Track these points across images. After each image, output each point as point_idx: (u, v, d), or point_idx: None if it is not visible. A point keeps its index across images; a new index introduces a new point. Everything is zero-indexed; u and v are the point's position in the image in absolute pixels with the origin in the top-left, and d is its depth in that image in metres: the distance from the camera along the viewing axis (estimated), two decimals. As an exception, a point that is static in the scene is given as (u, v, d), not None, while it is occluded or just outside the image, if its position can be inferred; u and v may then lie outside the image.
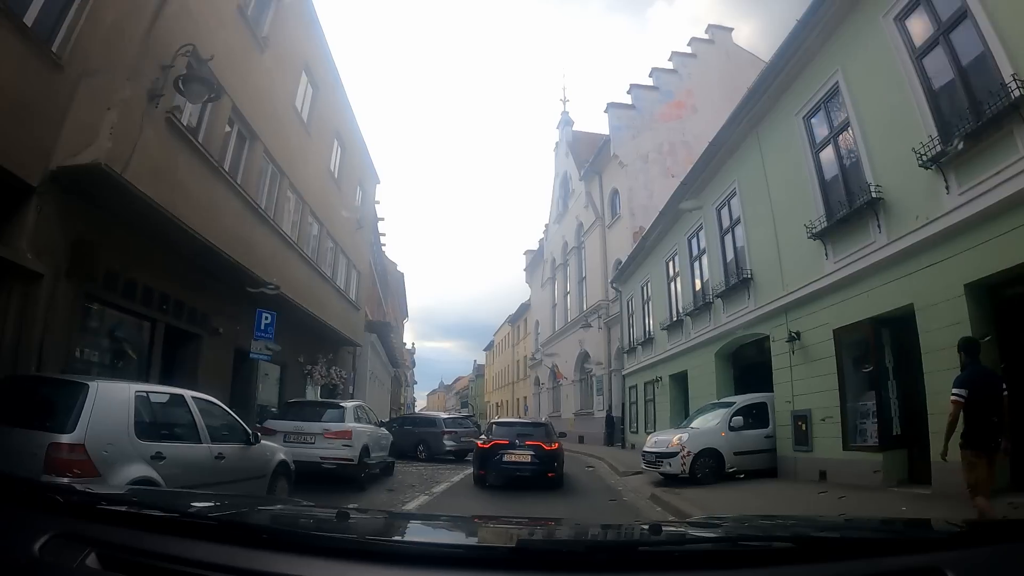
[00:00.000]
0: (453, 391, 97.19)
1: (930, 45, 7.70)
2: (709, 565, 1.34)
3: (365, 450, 10.10)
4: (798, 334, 10.55)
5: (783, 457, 10.91)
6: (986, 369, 5.54)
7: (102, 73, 7.27)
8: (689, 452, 10.58)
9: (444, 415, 21.26)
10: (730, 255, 13.87)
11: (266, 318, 10.77)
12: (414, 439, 17.52)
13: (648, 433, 16.86)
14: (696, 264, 16.04)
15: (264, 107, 11.77)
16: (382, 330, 27.91)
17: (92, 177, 7.07)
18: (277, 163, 12.71)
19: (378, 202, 24.52)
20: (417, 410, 53.76)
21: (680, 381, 17.09)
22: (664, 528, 1.68)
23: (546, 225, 41.16)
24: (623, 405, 23.64)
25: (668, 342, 18.00)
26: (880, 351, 8.97)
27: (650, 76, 28.06)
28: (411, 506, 8.63)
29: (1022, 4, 6.44)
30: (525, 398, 45.71)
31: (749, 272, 12.61)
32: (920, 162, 7.47)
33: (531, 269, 45.56)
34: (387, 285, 35.91)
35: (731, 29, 29.78)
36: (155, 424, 5.02)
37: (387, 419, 21.59)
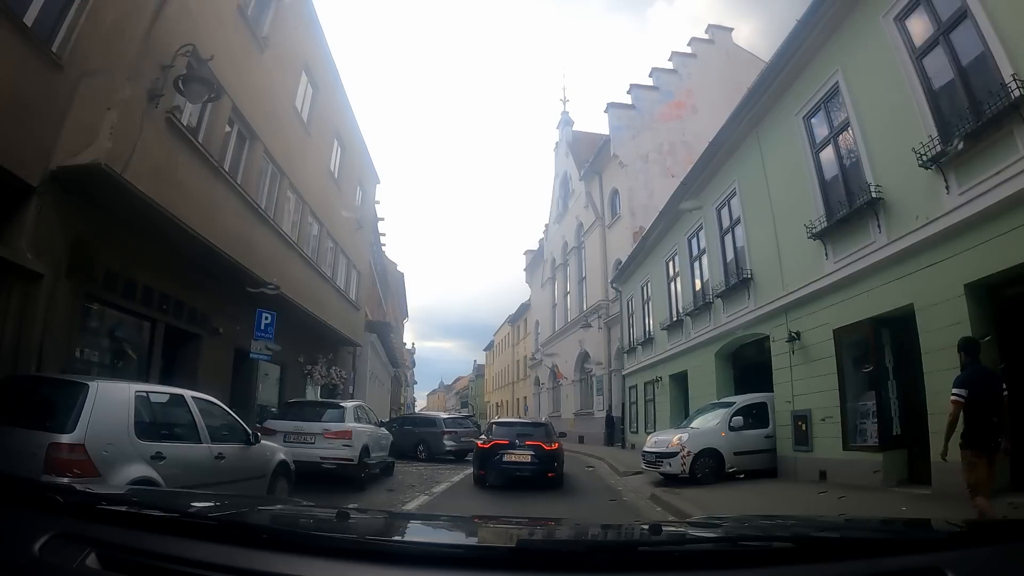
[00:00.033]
0: (453, 391, 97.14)
1: (930, 45, 7.70)
2: (709, 565, 1.34)
3: (365, 450, 10.10)
4: (798, 334, 10.54)
5: (783, 457, 10.91)
6: (986, 369, 5.54)
7: (102, 73, 7.26)
8: (689, 452, 10.58)
9: (444, 415, 21.25)
10: (730, 255, 13.87)
11: (266, 318, 10.77)
12: (414, 439, 17.52)
13: (648, 433, 16.85)
14: (696, 264, 16.03)
15: (264, 107, 11.77)
16: (382, 330, 27.91)
17: (92, 177, 7.06)
18: (277, 163, 12.71)
19: (378, 202, 24.55)
20: (417, 410, 53.75)
21: (680, 381, 17.09)
22: (664, 528, 1.68)
23: (546, 225, 41.17)
24: (623, 405, 23.63)
25: (668, 342, 18.00)
26: (880, 351, 8.96)
27: (650, 76, 28.05)
28: (411, 506, 8.62)
29: (1022, 4, 6.43)
30: (525, 398, 45.70)
31: (749, 272, 12.60)
32: (920, 162, 7.47)
33: (531, 269, 45.55)
34: (387, 285, 35.91)
35: (731, 29, 29.80)
36: (155, 424, 5.01)
37: (387, 419, 21.60)
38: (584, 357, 30.13)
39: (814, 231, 9.84)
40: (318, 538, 1.43)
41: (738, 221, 13.35)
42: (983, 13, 6.79)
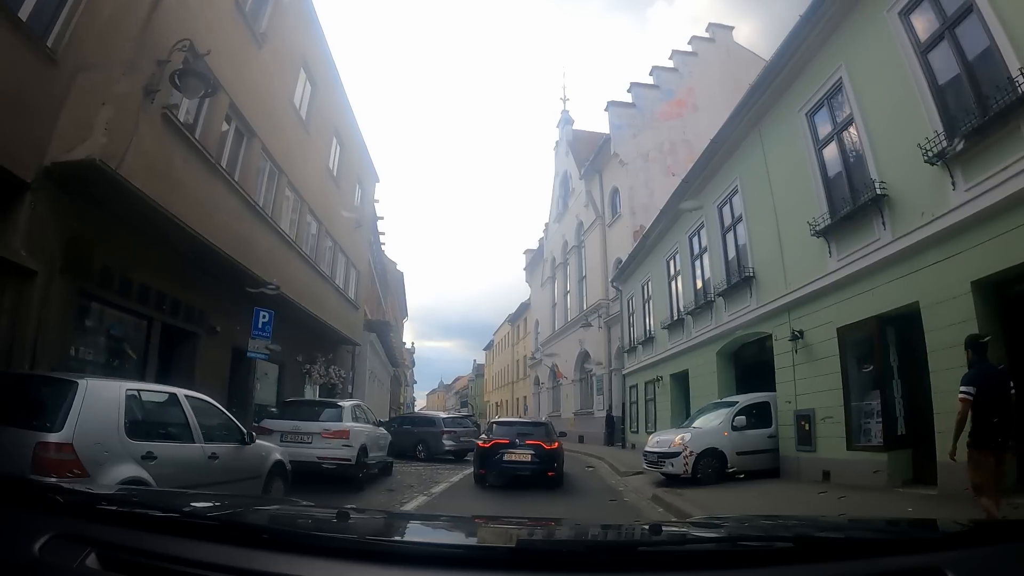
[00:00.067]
0: (453, 391, 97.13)
1: (935, 40, 7.61)
2: (709, 565, 1.34)
3: (363, 450, 9.99)
4: (801, 333, 10.45)
5: (786, 457, 10.81)
6: (994, 367, 5.49)
7: (98, 68, 7.18)
8: (692, 452, 10.49)
9: (443, 415, 21.16)
10: (732, 253, 13.77)
11: (264, 316, 10.65)
12: (413, 439, 17.44)
13: (649, 433, 16.78)
14: (697, 262, 15.94)
15: (262, 104, 11.67)
16: (381, 329, 27.82)
17: (86, 173, 6.97)
18: (275, 161, 12.62)
19: (377, 201, 24.47)
20: (416, 409, 53.70)
21: (681, 380, 17.00)
22: (664, 528, 1.69)
23: (546, 224, 41.09)
24: (623, 405, 23.55)
25: (669, 341, 17.91)
26: (885, 350, 8.86)
27: (650, 74, 27.99)
28: (409, 507, 8.52)
29: (1029, -3, 6.35)
30: (525, 398, 45.64)
31: (751, 270, 12.51)
32: (926, 158, 7.38)
33: (531, 268, 45.48)
34: (386, 284, 35.82)
35: (732, 28, 29.71)
36: (146, 423, 4.91)
37: (386, 419, 21.52)
38: (584, 356, 30.06)
39: (817, 229, 9.74)
40: (318, 538, 1.43)
41: (740, 219, 13.25)
42: (989, 7, 6.71)
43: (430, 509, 8.45)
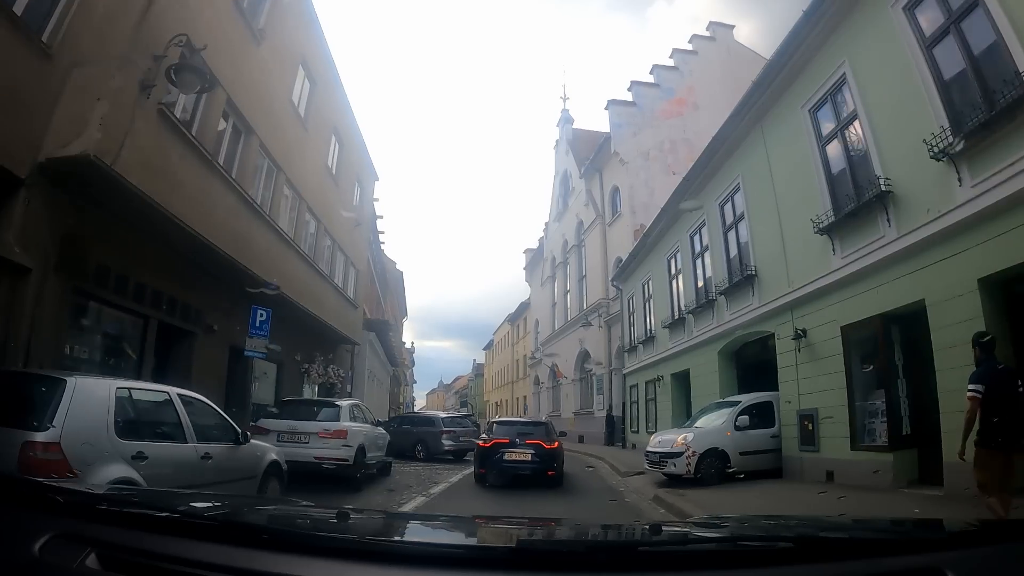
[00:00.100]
0: (452, 390, 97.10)
1: (940, 34, 7.52)
2: (710, 565, 1.34)
3: (361, 450, 9.88)
4: (804, 331, 10.34)
5: (788, 457, 10.71)
6: (1002, 365, 5.40)
7: (93, 63, 7.14)
8: (694, 452, 10.39)
9: (443, 414, 21.07)
10: (733, 251, 13.66)
11: (261, 315, 10.56)
12: (412, 439, 17.35)
13: (649, 433, 16.69)
14: (698, 261, 15.84)
15: (260, 101, 11.58)
16: (381, 328, 27.74)
17: (81, 169, 6.91)
18: (273, 158, 12.53)
19: (377, 200, 24.35)
20: (416, 409, 53.63)
21: (682, 380, 16.91)
22: (664, 528, 1.71)
23: (546, 223, 41.01)
24: (623, 404, 23.47)
25: (670, 340, 17.82)
26: (889, 348, 8.76)
27: (651, 73, 27.89)
28: (407, 508, 8.42)
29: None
30: (525, 397, 45.58)
31: (753, 269, 12.41)
32: (931, 154, 7.29)
33: (531, 268, 45.41)
34: (386, 283, 35.74)
35: (732, 26, 29.62)
36: (137, 422, 4.80)
37: (386, 418, 21.44)
38: (584, 356, 29.97)
39: (821, 226, 9.63)
40: (318, 538, 1.43)
41: (742, 217, 13.15)
42: (995, 1, 6.61)
43: (429, 510, 8.35)
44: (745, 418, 10.95)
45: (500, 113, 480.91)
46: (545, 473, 10.90)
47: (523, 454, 10.99)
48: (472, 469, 12.86)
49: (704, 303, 15.05)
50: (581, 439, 26.95)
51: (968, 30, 7.16)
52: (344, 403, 10.64)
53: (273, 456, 7.12)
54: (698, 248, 15.85)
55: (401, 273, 44.44)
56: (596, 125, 32.60)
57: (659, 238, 18.88)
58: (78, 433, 3.97)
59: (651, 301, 20.15)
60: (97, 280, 7.95)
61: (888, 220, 8.34)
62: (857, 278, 9.05)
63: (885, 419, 8.60)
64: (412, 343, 77.81)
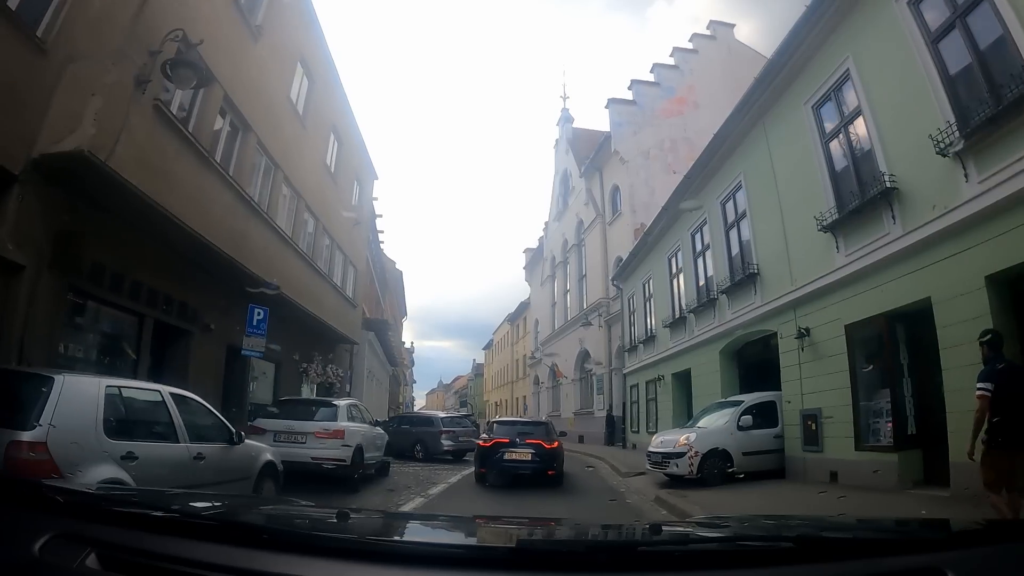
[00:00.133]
0: (452, 390, 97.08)
1: (946, 29, 7.43)
2: (710, 565, 1.34)
3: (359, 450, 9.76)
4: (807, 330, 10.23)
5: (791, 457, 10.60)
6: (1011, 363, 5.33)
7: (88, 59, 7.06)
8: (697, 452, 10.27)
9: (442, 414, 20.98)
10: (735, 250, 13.56)
11: (258, 314, 10.46)
12: (411, 439, 17.26)
13: (650, 433, 16.61)
14: (700, 260, 15.73)
15: (257, 98, 11.48)
16: (380, 328, 27.65)
17: (75, 165, 6.83)
18: (271, 156, 12.43)
19: (376, 199, 24.26)
20: (416, 409, 53.54)
21: (683, 380, 16.81)
22: (664, 528, 1.73)
23: (546, 223, 40.92)
24: (624, 404, 23.38)
25: (670, 340, 17.72)
26: (895, 347, 8.65)
27: (651, 72, 27.81)
28: (406, 509, 8.32)
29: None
30: (524, 397, 45.50)
31: (755, 267, 12.30)
32: (937, 149, 7.19)
33: (531, 267, 45.33)
34: (385, 283, 35.65)
35: (733, 25, 29.54)
36: (127, 421, 4.68)
37: (386, 418, 21.35)
38: (584, 356, 29.88)
39: (824, 223, 9.53)
40: (318, 538, 1.43)
41: (744, 215, 13.05)
42: (1002, -6, 6.52)
43: (427, 511, 8.24)
44: (748, 418, 10.84)
45: (500, 112, 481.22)
46: (545, 473, 10.95)
47: (523, 454, 11.04)
48: (471, 470, 12.82)
49: (705, 302, 14.95)
50: (581, 439, 26.85)
51: (974, 24, 7.06)
52: (342, 403, 10.52)
53: (268, 456, 7.01)
54: (699, 247, 15.74)
55: (400, 272, 44.38)
56: (596, 124, 32.59)
57: (660, 237, 18.77)
58: (65, 432, 3.85)
59: (652, 300, 20.05)
60: (92, 278, 7.86)
61: (893, 217, 8.24)
62: (861, 276, 8.94)
63: (890, 419, 8.48)
64: (412, 343, 77.89)
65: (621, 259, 24.02)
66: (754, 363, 13.44)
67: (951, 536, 1.65)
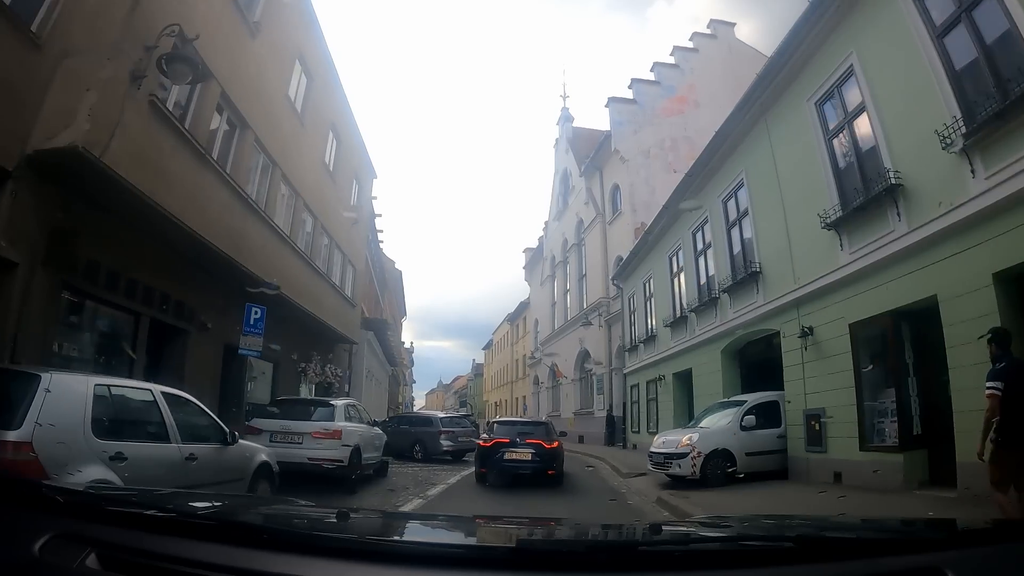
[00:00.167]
0: (452, 390, 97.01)
1: (951, 23, 7.34)
2: (710, 565, 1.34)
3: (356, 450, 9.65)
4: (811, 329, 10.12)
5: (794, 458, 10.49)
6: (1020, 361, 5.21)
7: (83, 54, 6.99)
8: (700, 453, 10.15)
9: (441, 414, 20.89)
10: (737, 248, 13.47)
11: (255, 313, 10.33)
12: (410, 439, 17.17)
13: (651, 433, 16.51)
14: (701, 259, 15.64)
15: (255, 95, 11.39)
16: (379, 327, 27.54)
17: (69, 161, 6.74)
18: (269, 153, 12.33)
19: (375, 198, 24.17)
20: (415, 409, 53.45)
21: (684, 379, 16.71)
22: (665, 528, 1.73)
23: (546, 222, 40.84)
24: (624, 404, 23.28)
25: (671, 339, 17.62)
26: (899, 346, 8.53)
27: (651, 71, 27.72)
28: (404, 510, 8.22)
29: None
30: (524, 397, 45.41)
31: (758, 265, 12.20)
32: (943, 145, 7.10)
33: (530, 267, 45.24)
34: (384, 283, 35.55)
35: (734, 24, 29.45)
36: (116, 421, 4.56)
37: (385, 418, 21.25)
38: (584, 356, 29.79)
39: (828, 221, 9.43)
40: (318, 538, 1.43)
41: (746, 213, 12.95)
42: (1008, -12, 6.44)
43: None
44: (751, 418, 10.70)
45: (500, 112, 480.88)
46: (545, 473, 10.97)
47: (523, 454, 11.06)
48: (470, 470, 12.77)
49: (707, 301, 14.85)
50: (581, 439, 26.76)
51: (980, 19, 6.98)
52: (339, 402, 10.41)
53: (263, 457, 6.90)
54: (700, 245, 15.65)
55: (400, 272, 44.27)
56: (596, 124, 32.52)
57: (660, 236, 18.68)
58: (52, 432, 3.74)
59: (652, 300, 19.95)
60: (87, 276, 7.76)
61: (898, 214, 8.14)
62: (866, 274, 8.84)
63: (895, 419, 8.37)
64: (411, 343, 77.72)
65: (621, 258, 23.94)
66: (756, 362, 13.34)
67: (951, 536, 1.64)
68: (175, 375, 9.27)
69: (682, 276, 17.09)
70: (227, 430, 6.05)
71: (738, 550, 1.44)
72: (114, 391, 4.69)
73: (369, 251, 25.44)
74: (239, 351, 10.45)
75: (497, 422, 13.11)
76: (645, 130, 25.90)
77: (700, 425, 11.42)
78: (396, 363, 41.76)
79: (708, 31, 28.73)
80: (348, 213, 18.98)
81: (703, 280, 15.47)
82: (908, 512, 6.38)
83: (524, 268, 47.13)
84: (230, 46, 10.16)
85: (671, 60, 27.85)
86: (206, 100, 9.54)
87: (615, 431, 23.98)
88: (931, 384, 8.01)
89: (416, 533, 1.94)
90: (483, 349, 70.85)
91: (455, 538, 1.91)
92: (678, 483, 10.32)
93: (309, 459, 8.87)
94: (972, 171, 6.92)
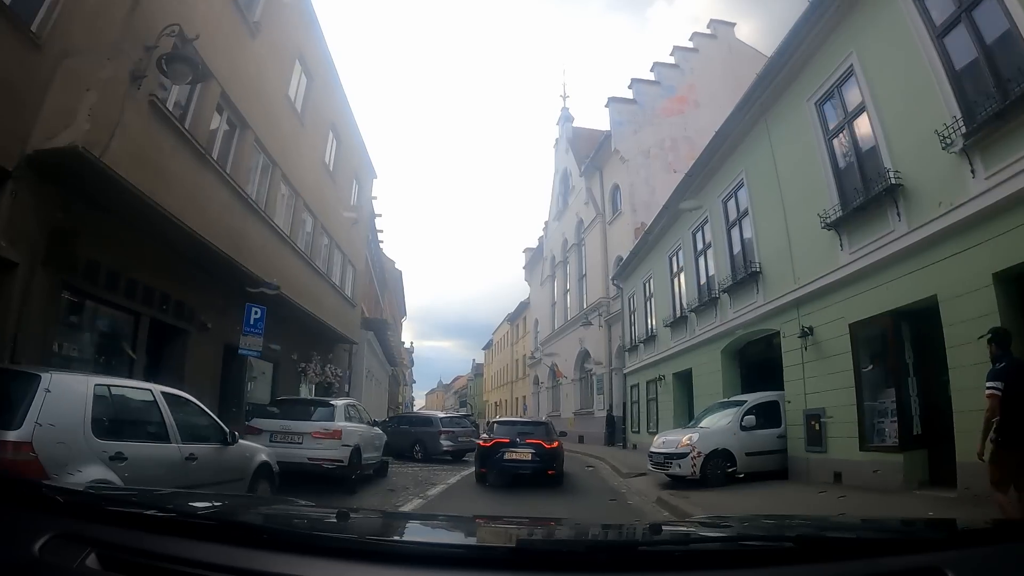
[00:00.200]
0: (452, 390, 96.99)
1: (951, 23, 7.34)
2: (710, 565, 1.34)
3: (356, 450, 9.64)
4: (811, 329, 10.11)
5: (794, 458, 10.49)
6: (1020, 361, 5.21)
7: (83, 54, 6.99)
8: (700, 453, 10.14)
9: (441, 414, 20.88)
10: (737, 248, 13.46)
11: (255, 312, 10.32)
12: (410, 439, 17.16)
13: (651, 433, 16.49)
14: (701, 259, 15.63)
15: (255, 95, 11.38)
16: (379, 327, 27.53)
17: (69, 161, 6.74)
18: (269, 153, 12.33)
19: (375, 198, 24.16)
20: (416, 409, 53.44)
21: (684, 379, 16.71)
22: (665, 528, 1.74)
23: (546, 222, 40.83)
24: (624, 404, 23.28)
25: (671, 339, 17.62)
26: (899, 346, 8.52)
27: (651, 71, 27.70)
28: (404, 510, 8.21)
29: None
30: (524, 397, 45.39)
31: (758, 265, 12.19)
32: (943, 145, 7.10)
33: (530, 267, 45.23)
34: (384, 283, 35.54)
35: (734, 24, 29.45)
36: (116, 421, 4.55)
37: (385, 418, 21.24)
38: (584, 356, 29.78)
39: (828, 221, 9.42)
40: (318, 538, 1.43)
41: (746, 213, 12.94)
42: (1008, -12, 6.43)
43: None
44: (751, 418, 10.68)
45: (500, 112, 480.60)
46: (545, 473, 10.99)
47: (523, 454, 11.08)
48: (470, 470, 12.76)
49: (707, 301, 14.85)
50: (581, 439, 26.76)
51: (980, 19, 6.98)
52: (339, 402, 10.40)
53: (263, 457, 6.89)
54: (700, 245, 15.64)
55: (400, 272, 44.26)
56: (596, 123, 32.51)
57: (660, 236, 18.68)
58: (52, 432, 3.73)
59: (652, 300, 19.95)
60: (87, 276, 7.76)
61: (898, 214, 8.13)
62: (866, 274, 8.83)
63: (895, 419, 8.36)
64: (411, 343, 77.69)
65: (621, 258, 23.93)
66: (756, 362, 13.33)
67: (951, 536, 1.64)
68: (175, 375, 9.26)
69: (682, 276, 17.09)
70: (227, 430, 6.05)
71: (738, 550, 1.44)
72: (114, 391, 4.69)
73: (369, 251, 25.43)
74: (239, 351, 10.45)
75: (497, 422, 13.12)
76: (645, 130, 25.89)
77: (700, 425, 11.41)
78: (396, 363, 41.76)
79: (708, 31, 28.72)
80: (348, 213, 18.97)
81: (703, 280, 15.46)
82: (908, 512, 6.37)
83: (524, 268, 47.11)
84: (230, 46, 10.16)
85: (671, 60, 27.84)
86: (206, 100, 9.54)
87: (615, 431, 23.97)
88: (931, 384, 8.00)
89: (416, 533, 1.94)
90: (483, 349, 70.84)
91: (455, 538, 1.91)
92: (678, 483, 10.31)
93: (309, 459, 8.86)
94: (972, 171, 6.92)
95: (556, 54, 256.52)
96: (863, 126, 9.06)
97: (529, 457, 11.03)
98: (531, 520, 3.30)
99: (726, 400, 12.30)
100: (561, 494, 10.50)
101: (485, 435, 12.43)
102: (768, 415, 10.89)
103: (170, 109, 8.45)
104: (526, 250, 47.12)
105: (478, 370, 75.54)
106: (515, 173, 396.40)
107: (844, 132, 9.55)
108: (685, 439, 10.54)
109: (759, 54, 23.40)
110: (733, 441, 10.42)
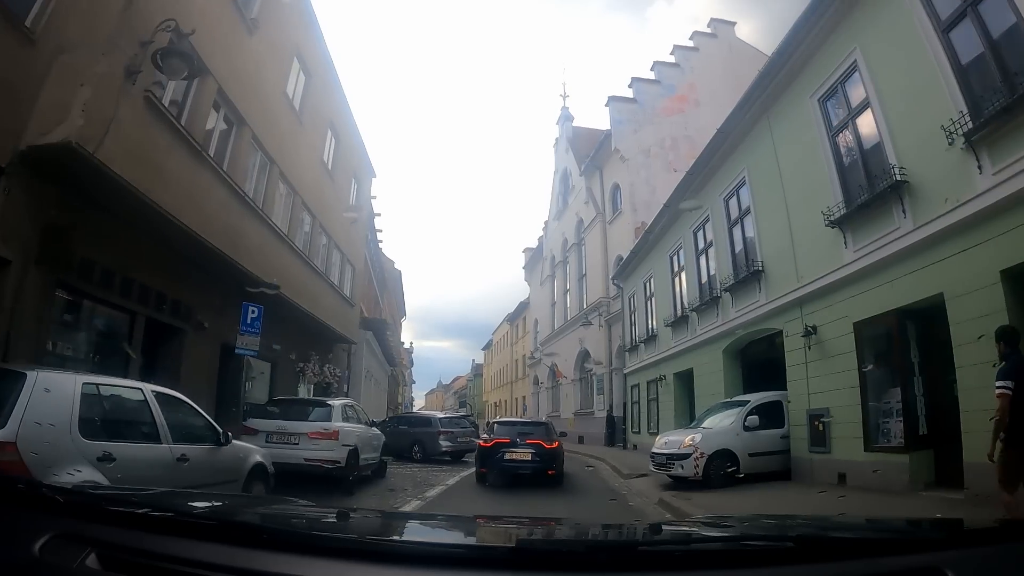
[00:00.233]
0: (451, 390, 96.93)
1: (957, 17, 7.24)
2: (710, 565, 1.34)
3: (354, 452, 9.53)
4: (814, 328, 10.00)
5: (798, 458, 10.38)
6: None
7: (78, 49, 6.90)
8: (703, 453, 10.03)
9: (440, 414, 20.78)
10: (739, 247, 13.34)
11: (253, 312, 10.22)
12: (409, 439, 17.08)
13: (651, 434, 16.39)
14: (702, 258, 15.53)
15: (253, 92, 11.29)
16: (378, 327, 27.43)
17: (63, 157, 6.65)
18: (267, 151, 12.23)
19: (374, 197, 24.08)
20: (415, 409, 53.35)
21: (685, 379, 16.61)
22: (665, 527, 1.74)
23: (545, 222, 40.75)
24: (624, 405, 23.19)
25: (672, 339, 17.52)
26: (905, 345, 8.40)
27: (652, 70, 27.62)
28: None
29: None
30: (524, 397, 45.31)
31: (760, 264, 12.08)
32: (949, 141, 7.00)
33: (530, 267, 45.16)
34: (384, 282, 35.44)
35: (734, 23, 29.38)
36: (105, 421, 4.44)
37: (384, 418, 21.16)
38: (584, 356, 29.69)
39: (832, 219, 9.31)
40: (318, 538, 1.43)
41: (747, 211, 12.84)
42: (1015, -19, 6.34)
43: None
44: (754, 418, 10.55)
45: (499, 111, 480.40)
46: (545, 473, 11.00)
47: (523, 454, 11.09)
48: (470, 471, 12.71)
49: (708, 300, 14.74)
50: (581, 440, 26.67)
51: (986, 13, 6.88)
52: (336, 403, 10.29)
53: (258, 458, 6.76)
54: (702, 244, 15.54)
55: (399, 272, 44.19)
56: (596, 123, 32.45)
57: (661, 235, 18.58)
58: (38, 432, 3.62)
59: (653, 299, 19.85)
60: (81, 274, 7.66)
61: (903, 211, 8.03)
62: (870, 272, 8.72)
63: (900, 419, 8.25)
64: (411, 343, 77.62)
65: (621, 258, 23.85)
66: (758, 362, 13.22)
67: (952, 535, 1.62)
68: (171, 375, 9.17)
69: (683, 275, 16.99)
70: (220, 430, 5.93)
71: (739, 550, 1.43)
72: (103, 390, 4.58)
73: (368, 251, 25.34)
74: (236, 350, 10.35)
75: (497, 422, 13.10)
76: (645, 129, 25.81)
77: (702, 426, 11.31)
78: (395, 363, 41.67)
79: (708, 30, 28.64)
80: (347, 212, 18.88)
81: (704, 279, 15.36)
82: (913, 513, 6.28)
83: (524, 268, 47.04)
84: (227, 42, 10.07)
85: (671, 59, 27.76)
86: (203, 96, 9.45)
87: (615, 431, 23.88)
88: (937, 383, 7.89)
89: (416, 533, 1.94)
90: (483, 349, 70.77)
91: (455, 538, 1.90)
92: (680, 484, 10.21)
93: (306, 460, 8.75)
94: (979, 167, 6.81)
95: (556, 54, 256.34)
96: (867, 122, 8.96)
97: (529, 457, 11.03)
98: (531, 520, 3.29)
99: (728, 400, 12.19)
100: (561, 494, 10.42)
101: (485, 435, 12.42)
102: (771, 415, 10.78)
103: (166, 105, 8.36)
104: (526, 250, 47.05)
105: (478, 370, 75.46)
106: (515, 173, 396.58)
107: (848, 129, 9.44)
108: (688, 440, 10.43)
109: (760, 53, 23.34)
110: (736, 442, 10.30)
